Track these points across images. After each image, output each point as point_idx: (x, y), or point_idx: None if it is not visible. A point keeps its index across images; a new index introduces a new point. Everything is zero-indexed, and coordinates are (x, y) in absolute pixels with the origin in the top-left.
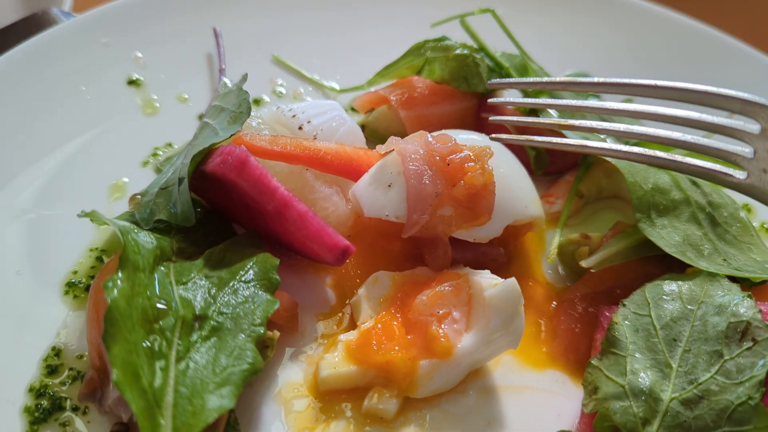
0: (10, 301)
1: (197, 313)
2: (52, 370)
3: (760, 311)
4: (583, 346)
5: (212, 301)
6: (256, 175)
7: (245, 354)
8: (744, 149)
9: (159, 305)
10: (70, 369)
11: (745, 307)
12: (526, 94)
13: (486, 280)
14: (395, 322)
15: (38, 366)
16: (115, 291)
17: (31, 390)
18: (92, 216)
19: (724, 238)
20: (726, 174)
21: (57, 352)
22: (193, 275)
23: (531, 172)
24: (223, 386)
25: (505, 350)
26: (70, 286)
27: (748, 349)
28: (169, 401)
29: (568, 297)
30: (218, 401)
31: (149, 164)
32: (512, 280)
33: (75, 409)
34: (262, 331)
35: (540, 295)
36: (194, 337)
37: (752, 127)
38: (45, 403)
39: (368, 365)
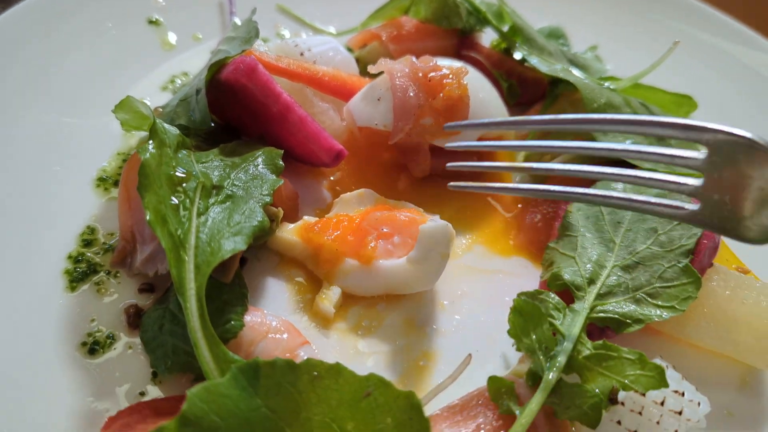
0: (50, 191)
1: (214, 183)
2: (87, 243)
3: None
4: (544, 236)
5: (227, 176)
6: (263, 80)
7: (255, 214)
8: (692, 181)
9: (182, 174)
10: (103, 243)
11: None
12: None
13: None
14: (346, 223)
15: (75, 240)
16: (147, 153)
17: (69, 257)
18: (121, 116)
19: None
20: (677, 207)
21: (91, 230)
22: (210, 158)
23: (506, 104)
24: (237, 235)
25: (420, 289)
26: (101, 180)
27: (678, 224)
28: (191, 243)
29: (532, 198)
30: (232, 244)
31: (168, 89)
32: (447, 223)
33: (107, 273)
34: (269, 200)
35: (509, 198)
36: (212, 200)
37: (696, 154)
38: (82, 266)
39: (307, 242)
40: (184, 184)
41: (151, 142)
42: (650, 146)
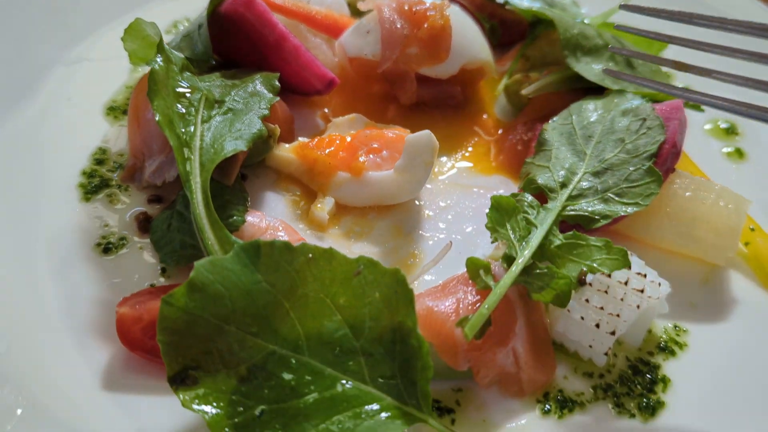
0: (65, 118)
1: (216, 98)
2: (99, 162)
3: (655, 109)
4: (522, 156)
5: (228, 93)
6: (260, 10)
7: (254, 124)
8: None
9: (187, 87)
10: (114, 162)
11: (644, 108)
12: None
13: None
14: (339, 142)
15: (88, 159)
16: (156, 64)
17: (83, 173)
18: (129, 45)
19: (637, 75)
20: None
21: (103, 150)
22: (212, 79)
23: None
24: (237, 140)
25: (406, 197)
26: (111, 109)
27: (644, 134)
28: (196, 145)
29: (513, 124)
30: (233, 146)
31: (171, 32)
32: (430, 133)
33: (118, 187)
34: (266, 113)
35: (491, 125)
36: (214, 112)
37: None
38: (95, 181)
39: (302, 158)
40: (189, 95)
41: (159, 55)
42: None
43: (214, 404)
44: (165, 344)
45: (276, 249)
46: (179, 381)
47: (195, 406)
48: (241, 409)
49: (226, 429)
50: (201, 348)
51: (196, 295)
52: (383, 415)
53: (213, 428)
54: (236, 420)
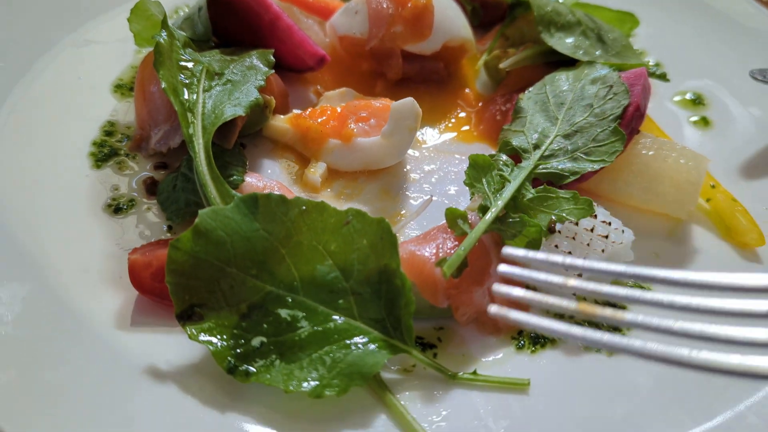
0: (75, 94)
1: (216, 71)
2: (108, 133)
3: (621, 76)
4: (501, 125)
5: (227, 66)
6: None
7: (252, 92)
8: None
9: (189, 61)
10: (122, 134)
11: (611, 75)
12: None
13: None
14: (330, 112)
15: (98, 130)
16: (161, 38)
17: (94, 143)
18: (134, 27)
19: (608, 50)
20: None
21: (111, 123)
22: (212, 55)
23: (470, 25)
24: (236, 106)
25: (392, 161)
26: (118, 87)
27: (610, 99)
28: (199, 110)
29: (492, 96)
30: (232, 111)
31: (173, 18)
32: (413, 100)
33: (127, 155)
34: (263, 83)
35: (472, 98)
36: (215, 82)
37: None
38: (105, 150)
39: (296, 127)
40: (191, 65)
41: (163, 30)
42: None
43: (218, 337)
44: (173, 284)
45: (272, 201)
46: (186, 317)
47: (201, 338)
48: (242, 341)
49: (229, 358)
50: (205, 288)
51: (200, 240)
52: (371, 346)
53: (217, 357)
54: (238, 351)
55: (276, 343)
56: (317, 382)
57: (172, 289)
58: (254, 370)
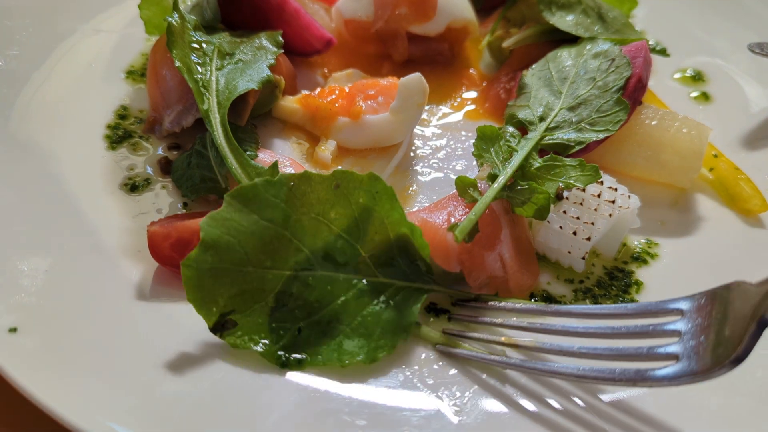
0: (88, 80)
1: (227, 51)
2: (122, 117)
3: (622, 50)
4: (506, 103)
5: (237, 47)
6: None
7: (262, 70)
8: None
9: (201, 41)
10: (135, 117)
11: (613, 50)
12: None
13: None
14: (338, 91)
15: (112, 115)
16: (173, 20)
17: (108, 126)
18: (145, 14)
19: (608, 27)
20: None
21: (124, 107)
22: (222, 36)
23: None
24: (248, 82)
25: (401, 137)
26: (130, 73)
27: (613, 71)
28: (213, 87)
29: (496, 75)
30: (245, 86)
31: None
32: (420, 75)
33: (141, 137)
34: (273, 62)
35: (477, 78)
36: (226, 61)
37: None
38: (119, 132)
39: (305, 107)
40: (204, 45)
41: (175, 13)
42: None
43: (258, 336)
44: (197, 302)
45: (259, 188)
46: (220, 328)
47: (244, 344)
48: (282, 332)
49: (278, 353)
50: (228, 294)
51: (209, 251)
52: (400, 297)
53: (267, 357)
54: (282, 343)
55: (313, 324)
56: (366, 348)
57: (197, 306)
58: (304, 356)
